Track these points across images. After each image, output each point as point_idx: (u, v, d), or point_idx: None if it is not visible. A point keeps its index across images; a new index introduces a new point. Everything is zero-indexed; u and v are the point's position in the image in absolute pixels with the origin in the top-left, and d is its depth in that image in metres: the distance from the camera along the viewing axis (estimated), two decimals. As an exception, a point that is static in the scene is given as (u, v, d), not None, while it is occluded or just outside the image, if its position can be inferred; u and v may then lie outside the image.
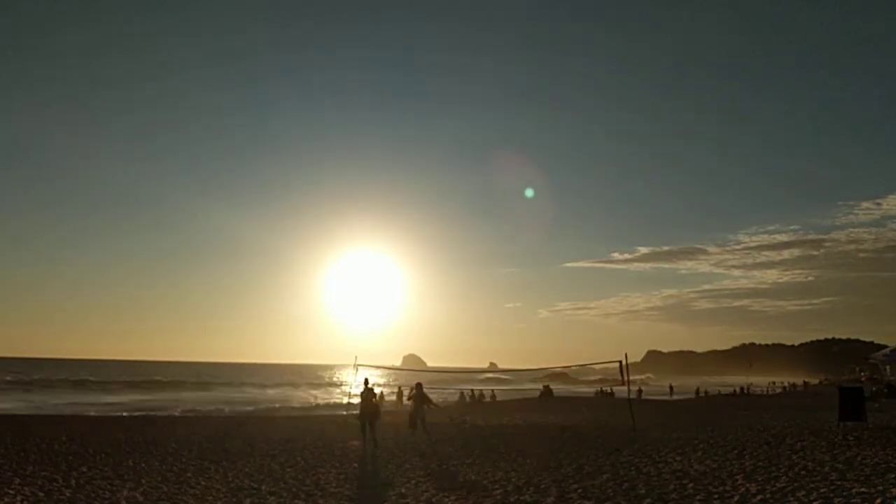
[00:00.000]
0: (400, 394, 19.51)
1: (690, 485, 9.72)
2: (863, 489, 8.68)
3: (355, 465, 13.23)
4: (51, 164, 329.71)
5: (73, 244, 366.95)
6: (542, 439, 17.62)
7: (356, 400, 17.93)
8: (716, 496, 8.79)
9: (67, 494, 9.83)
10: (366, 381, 18.47)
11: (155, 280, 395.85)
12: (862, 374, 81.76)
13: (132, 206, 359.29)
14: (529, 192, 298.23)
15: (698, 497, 8.80)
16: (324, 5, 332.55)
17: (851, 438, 15.40)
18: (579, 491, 9.58)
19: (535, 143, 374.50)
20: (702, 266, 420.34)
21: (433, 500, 9.50)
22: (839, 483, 9.26)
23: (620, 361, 19.69)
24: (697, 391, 63.52)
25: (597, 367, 28.81)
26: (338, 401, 48.38)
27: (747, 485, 9.51)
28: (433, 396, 19.56)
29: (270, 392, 67.60)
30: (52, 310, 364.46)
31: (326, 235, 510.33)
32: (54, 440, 16.69)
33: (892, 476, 9.65)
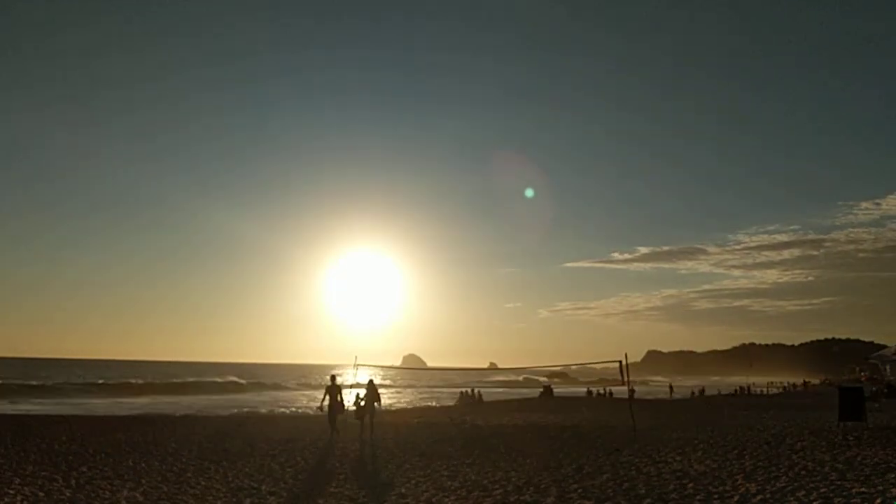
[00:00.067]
0: (357, 401, 20.26)
1: (690, 485, 9.72)
2: (863, 489, 8.68)
3: (355, 464, 13.23)
4: (51, 164, 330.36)
5: (73, 244, 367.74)
6: (542, 439, 17.62)
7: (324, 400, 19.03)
8: (716, 496, 8.79)
9: (67, 494, 9.83)
10: (332, 378, 19.23)
11: (155, 280, 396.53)
12: (862, 374, 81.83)
13: (132, 206, 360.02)
14: (529, 192, 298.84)
15: (698, 497, 8.80)
16: (324, 5, 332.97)
17: (851, 438, 15.40)
18: (579, 491, 9.58)
19: (535, 143, 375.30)
20: (702, 266, 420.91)
21: (433, 500, 9.50)
22: (839, 483, 9.27)
23: (620, 361, 19.68)
24: (693, 393, 63.44)
25: (597, 366, 28.76)
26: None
27: (747, 485, 9.51)
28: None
29: (280, 394, 66.94)
30: (52, 310, 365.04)
31: (326, 235, 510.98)
32: (54, 440, 16.68)
33: (892, 476, 9.65)
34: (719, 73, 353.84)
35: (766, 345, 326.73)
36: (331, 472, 12.23)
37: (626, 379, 19.80)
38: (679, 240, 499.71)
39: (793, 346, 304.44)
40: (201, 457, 14.15)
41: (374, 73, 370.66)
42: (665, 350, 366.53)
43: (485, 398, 46.69)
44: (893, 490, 8.52)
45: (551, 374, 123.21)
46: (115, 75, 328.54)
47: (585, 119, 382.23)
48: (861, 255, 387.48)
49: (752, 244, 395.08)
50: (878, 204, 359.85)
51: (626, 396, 50.03)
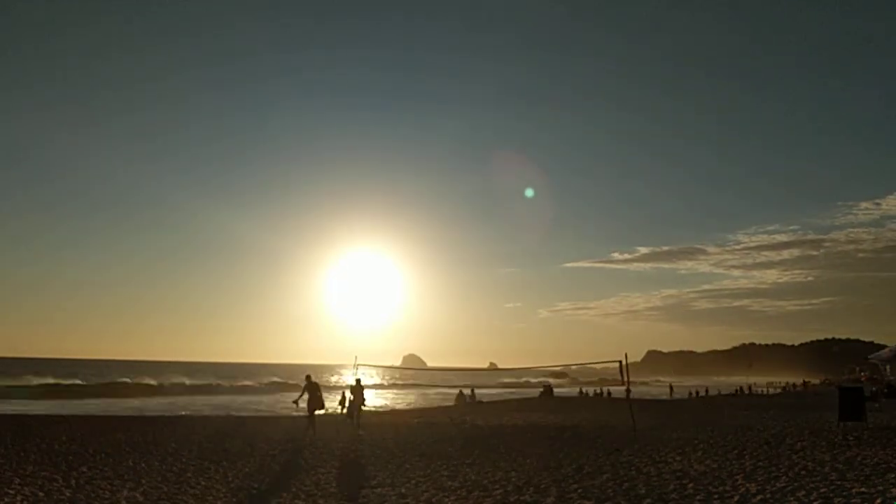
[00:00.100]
0: (343, 399, 21.54)
1: (690, 485, 9.72)
2: (863, 489, 8.68)
3: (355, 464, 13.23)
4: (51, 165, 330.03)
5: (73, 244, 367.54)
6: (542, 439, 17.61)
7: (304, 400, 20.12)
8: (716, 496, 8.79)
9: (67, 494, 9.83)
10: (308, 377, 20.62)
11: (155, 280, 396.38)
12: (862, 374, 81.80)
13: (132, 206, 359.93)
14: (529, 192, 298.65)
15: (698, 497, 8.80)
16: (324, 5, 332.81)
17: (851, 438, 15.40)
18: (579, 491, 9.58)
19: (535, 143, 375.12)
20: (702, 266, 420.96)
21: (433, 500, 9.50)
22: (839, 483, 9.26)
23: (620, 361, 19.67)
24: (690, 393, 63.46)
25: (597, 366, 28.78)
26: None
27: (747, 485, 9.51)
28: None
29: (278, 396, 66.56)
30: (52, 310, 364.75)
31: (326, 235, 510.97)
32: (54, 440, 16.68)
33: (892, 476, 9.65)
34: (719, 73, 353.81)
35: (766, 345, 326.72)
36: (331, 473, 12.23)
37: (626, 379, 19.81)
38: (679, 240, 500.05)
39: (793, 346, 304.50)
40: (201, 457, 14.15)
41: (374, 73, 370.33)
42: (665, 350, 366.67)
43: (484, 399, 46.68)
44: (893, 490, 8.52)
45: (552, 375, 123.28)
46: (115, 75, 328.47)
47: (585, 119, 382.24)
48: (861, 255, 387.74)
49: (752, 244, 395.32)
50: (877, 204, 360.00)
51: (623, 396, 50.26)
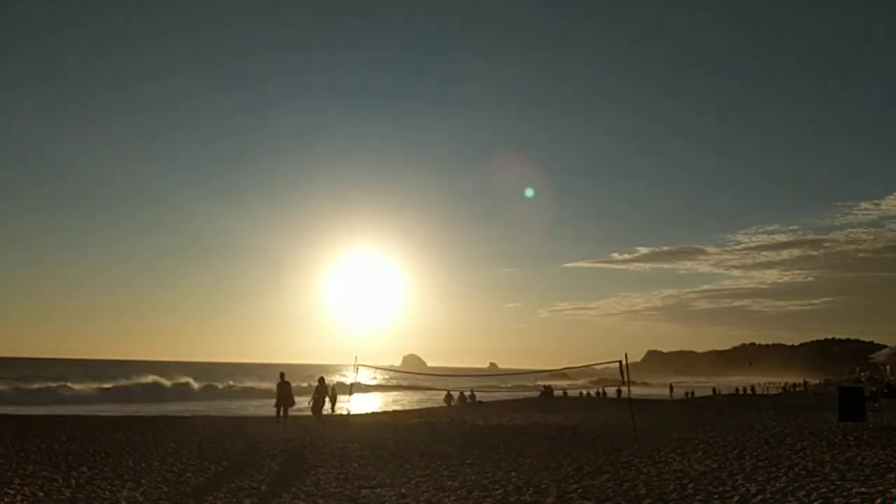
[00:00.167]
0: (316, 395, 23.45)
1: (690, 485, 9.72)
2: (863, 489, 8.69)
3: (355, 464, 13.23)
4: (51, 165, 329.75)
5: (73, 244, 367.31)
6: (542, 439, 17.62)
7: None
8: (716, 496, 8.79)
9: (67, 494, 9.82)
10: (282, 375, 22.75)
11: (155, 280, 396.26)
12: (862, 374, 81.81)
13: (132, 206, 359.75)
14: (529, 192, 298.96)
15: (698, 497, 8.80)
16: (324, 5, 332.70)
17: (851, 438, 15.40)
18: (579, 491, 9.58)
19: (535, 143, 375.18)
20: (701, 266, 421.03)
21: (433, 500, 9.50)
22: (839, 483, 9.27)
23: (620, 362, 19.68)
24: (686, 394, 63.49)
25: (597, 367, 28.80)
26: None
27: (747, 485, 9.51)
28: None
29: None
30: (52, 310, 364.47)
31: (326, 236, 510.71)
32: (54, 440, 16.68)
33: (892, 476, 9.66)
34: (719, 73, 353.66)
35: (766, 345, 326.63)
36: (331, 472, 12.23)
37: (626, 379, 19.82)
38: (679, 240, 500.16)
39: (793, 346, 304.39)
40: (201, 457, 14.15)
41: (374, 73, 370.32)
42: (665, 350, 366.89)
43: (481, 399, 46.64)
44: (893, 490, 8.52)
45: (552, 377, 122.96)
46: (115, 75, 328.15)
47: (585, 119, 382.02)
48: (861, 255, 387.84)
49: (752, 244, 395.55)
50: (877, 204, 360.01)
51: (616, 396, 50.33)
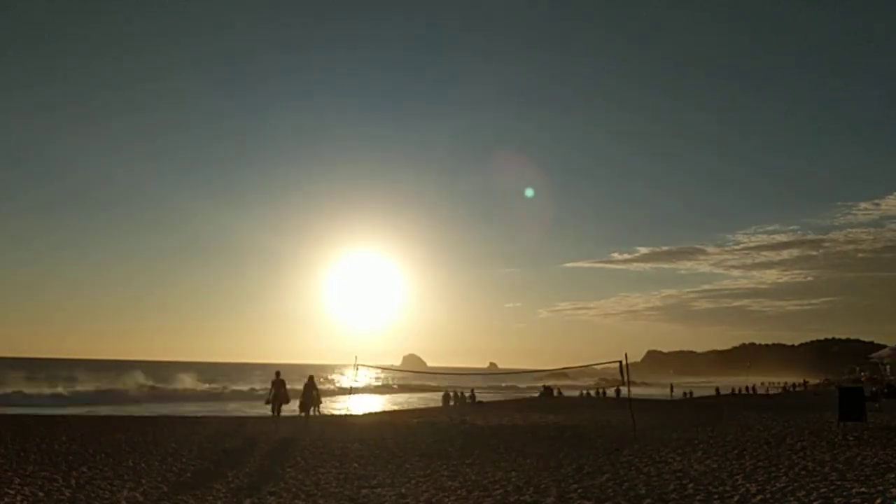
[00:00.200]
0: (304, 393, 24.83)
1: (690, 485, 9.72)
2: (863, 489, 8.69)
3: (355, 464, 13.23)
4: (51, 165, 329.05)
5: (73, 244, 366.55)
6: (542, 439, 17.62)
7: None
8: (716, 496, 8.79)
9: (67, 494, 9.82)
10: (277, 374, 23.26)
11: (155, 280, 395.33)
12: (862, 374, 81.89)
13: (132, 206, 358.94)
14: (529, 192, 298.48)
15: (698, 497, 8.80)
16: (324, 5, 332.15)
17: (851, 438, 15.40)
18: (579, 491, 9.58)
19: (535, 143, 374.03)
20: (701, 266, 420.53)
21: (433, 500, 9.50)
22: (839, 483, 9.27)
23: (621, 362, 19.68)
24: (684, 394, 63.51)
25: (597, 367, 28.81)
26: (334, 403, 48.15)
27: (747, 485, 9.52)
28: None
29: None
30: (52, 310, 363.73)
31: (326, 236, 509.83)
32: (54, 440, 16.68)
33: (892, 476, 9.66)
34: (719, 73, 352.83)
35: (766, 345, 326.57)
36: (331, 472, 12.23)
37: (626, 379, 19.82)
38: (679, 240, 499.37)
39: (793, 346, 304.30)
40: (201, 457, 14.15)
41: (374, 73, 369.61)
42: (665, 350, 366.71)
43: (481, 400, 46.64)
44: (893, 490, 8.52)
45: (552, 377, 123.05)
46: (115, 75, 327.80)
47: (585, 119, 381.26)
48: (860, 255, 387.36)
49: (752, 244, 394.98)
50: (877, 204, 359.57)
51: (615, 396, 50.36)
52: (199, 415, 31.57)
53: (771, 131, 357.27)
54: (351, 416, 28.74)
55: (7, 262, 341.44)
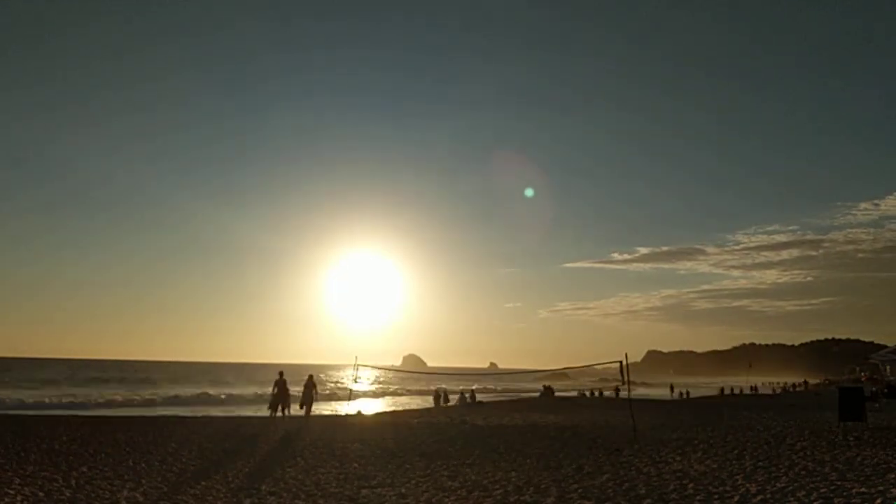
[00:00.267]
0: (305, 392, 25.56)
1: (690, 485, 9.72)
2: (863, 489, 8.69)
3: (355, 464, 13.23)
4: (51, 165, 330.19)
5: (73, 244, 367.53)
6: (542, 439, 17.62)
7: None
8: (716, 496, 8.79)
9: (67, 494, 9.82)
10: (280, 374, 24.04)
11: (155, 280, 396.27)
12: (862, 374, 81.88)
13: (132, 206, 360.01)
14: (529, 192, 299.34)
15: (698, 497, 8.80)
16: (324, 5, 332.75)
17: (851, 438, 15.40)
18: (579, 491, 9.58)
19: (535, 143, 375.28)
20: (701, 266, 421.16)
21: (433, 500, 9.50)
22: (839, 483, 9.27)
23: (621, 362, 19.67)
24: (681, 394, 63.53)
25: (598, 367, 28.81)
26: (336, 403, 48.11)
27: (747, 485, 9.52)
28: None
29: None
30: (52, 310, 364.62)
31: (326, 236, 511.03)
32: (54, 440, 16.67)
33: (892, 476, 9.66)
34: (719, 73, 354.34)
35: (766, 345, 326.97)
36: (331, 472, 12.23)
37: (626, 379, 19.81)
38: (678, 240, 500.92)
39: (793, 346, 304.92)
40: (201, 457, 14.15)
41: (374, 73, 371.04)
42: (665, 350, 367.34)
43: (481, 400, 46.65)
44: (893, 490, 8.52)
45: (552, 377, 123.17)
46: (115, 75, 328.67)
47: (585, 119, 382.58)
48: (860, 255, 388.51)
49: (752, 244, 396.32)
50: (877, 204, 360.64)
51: (614, 396, 50.32)
52: (199, 415, 31.57)
53: (771, 131, 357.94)
54: (351, 416, 28.71)
55: (7, 262, 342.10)
